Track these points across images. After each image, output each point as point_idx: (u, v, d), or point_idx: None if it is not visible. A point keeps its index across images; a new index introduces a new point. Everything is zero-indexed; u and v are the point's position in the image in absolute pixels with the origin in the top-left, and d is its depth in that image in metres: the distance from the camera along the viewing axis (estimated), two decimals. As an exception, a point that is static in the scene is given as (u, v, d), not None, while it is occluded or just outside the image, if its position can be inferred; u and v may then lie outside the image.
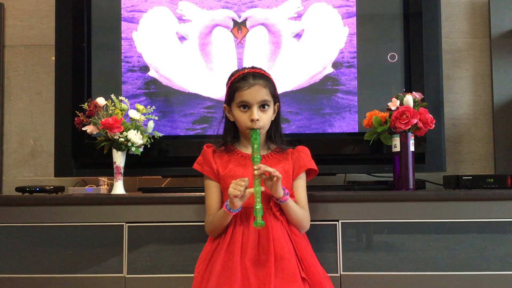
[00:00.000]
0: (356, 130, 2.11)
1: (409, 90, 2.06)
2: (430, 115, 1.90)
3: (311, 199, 1.69)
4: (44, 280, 1.79)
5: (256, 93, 1.58)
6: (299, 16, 2.14)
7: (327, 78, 2.13)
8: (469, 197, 1.77)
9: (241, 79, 1.60)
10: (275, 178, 1.49)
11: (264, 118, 1.59)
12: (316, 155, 1.71)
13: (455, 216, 1.76)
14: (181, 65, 2.15)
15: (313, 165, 1.67)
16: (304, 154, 1.67)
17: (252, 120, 1.57)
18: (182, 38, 2.16)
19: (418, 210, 1.76)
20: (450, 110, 2.36)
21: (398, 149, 1.89)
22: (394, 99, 1.93)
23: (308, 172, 1.69)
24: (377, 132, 1.94)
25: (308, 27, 2.14)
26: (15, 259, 1.81)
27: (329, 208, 1.77)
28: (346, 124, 2.11)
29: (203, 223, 1.66)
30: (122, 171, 1.96)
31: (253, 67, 1.66)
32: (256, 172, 1.48)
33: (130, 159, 1.99)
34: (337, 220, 1.77)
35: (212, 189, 1.64)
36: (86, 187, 2.26)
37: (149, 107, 2.03)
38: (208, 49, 2.15)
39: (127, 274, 1.77)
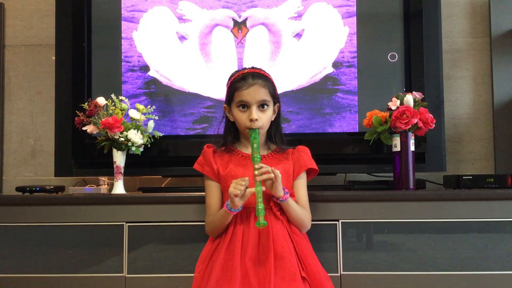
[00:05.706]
0: (356, 130, 2.10)
1: (409, 89, 2.06)
2: (430, 114, 1.90)
3: (312, 199, 1.69)
4: (44, 280, 1.79)
5: (255, 92, 1.58)
6: (299, 15, 2.14)
7: (327, 78, 2.13)
8: (469, 197, 1.77)
9: (240, 79, 1.61)
10: (272, 176, 1.49)
11: (263, 118, 1.59)
12: (316, 154, 1.72)
13: (455, 216, 1.76)
14: (181, 65, 2.15)
15: (313, 164, 1.67)
16: (304, 154, 1.67)
17: (251, 120, 1.57)
18: (182, 38, 2.16)
19: (418, 210, 1.76)
20: (450, 110, 2.36)
21: (398, 148, 1.89)
22: (394, 98, 1.93)
23: (309, 172, 1.69)
24: (377, 132, 1.94)
25: (308, 27, 2.14)
26: (15, 259, 1.81)
27: (329, 208, 1.77)
28: (346, 123, 2.11)
29: (203, 223, 1.66)
30: (122, 171, 1.96)
31: (253, 68, 1.66)
32: (257, 175, 1.48)
33: (130, 159, 1.99)
34: (337, 220, 1.77)
35: (212, 189, 1.64)
36: (86, 186, 2.26)
37: (149, 106, 2.03)
38: (208, 48, 2.15)
39: (127, 274, 1.77)
